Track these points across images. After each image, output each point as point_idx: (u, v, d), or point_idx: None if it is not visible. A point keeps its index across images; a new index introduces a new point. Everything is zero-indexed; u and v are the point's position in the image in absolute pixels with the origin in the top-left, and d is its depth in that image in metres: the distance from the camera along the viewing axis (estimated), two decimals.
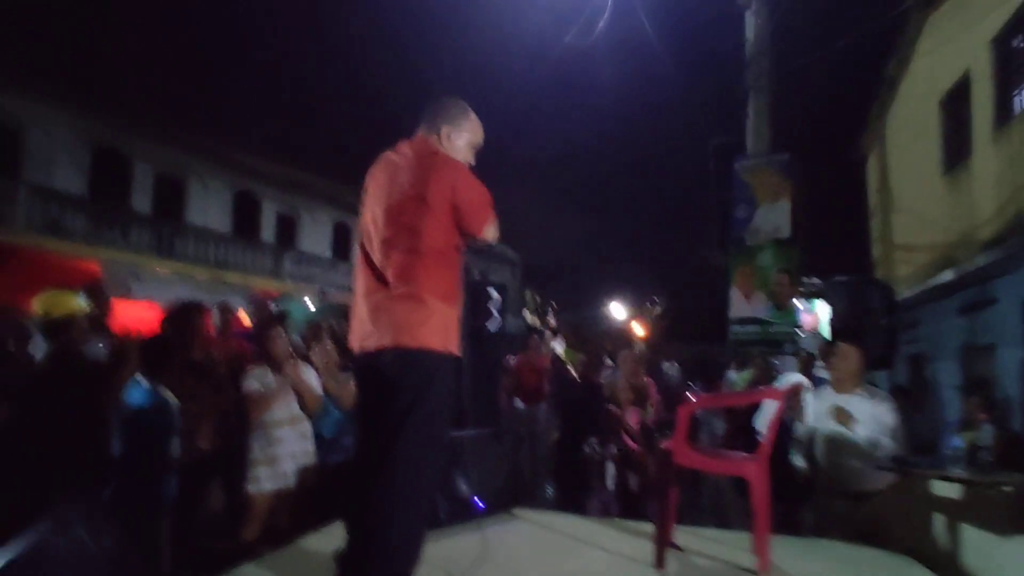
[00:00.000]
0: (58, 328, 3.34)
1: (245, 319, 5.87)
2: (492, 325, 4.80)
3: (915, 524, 3.24)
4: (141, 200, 14.99)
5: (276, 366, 3.96)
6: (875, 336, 5.07)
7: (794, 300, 8.04)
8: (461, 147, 2.45)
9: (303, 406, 3.99)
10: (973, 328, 8.53)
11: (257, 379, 3.94)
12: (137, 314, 6.52)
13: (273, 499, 3.81)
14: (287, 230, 18.88)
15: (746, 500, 2.86)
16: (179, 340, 3.82)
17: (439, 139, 2.41)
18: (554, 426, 6.67)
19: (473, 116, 2.49)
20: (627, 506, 4.92)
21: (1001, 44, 8.04)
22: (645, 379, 5.63)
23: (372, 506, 2.11)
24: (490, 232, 2.36)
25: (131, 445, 3.17)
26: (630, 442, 5.11)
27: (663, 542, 2.85)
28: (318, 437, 4.11)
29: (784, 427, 3.53)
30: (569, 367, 7.55)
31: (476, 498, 3.31)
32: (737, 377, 7.65)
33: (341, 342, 4.73)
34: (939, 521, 3.08)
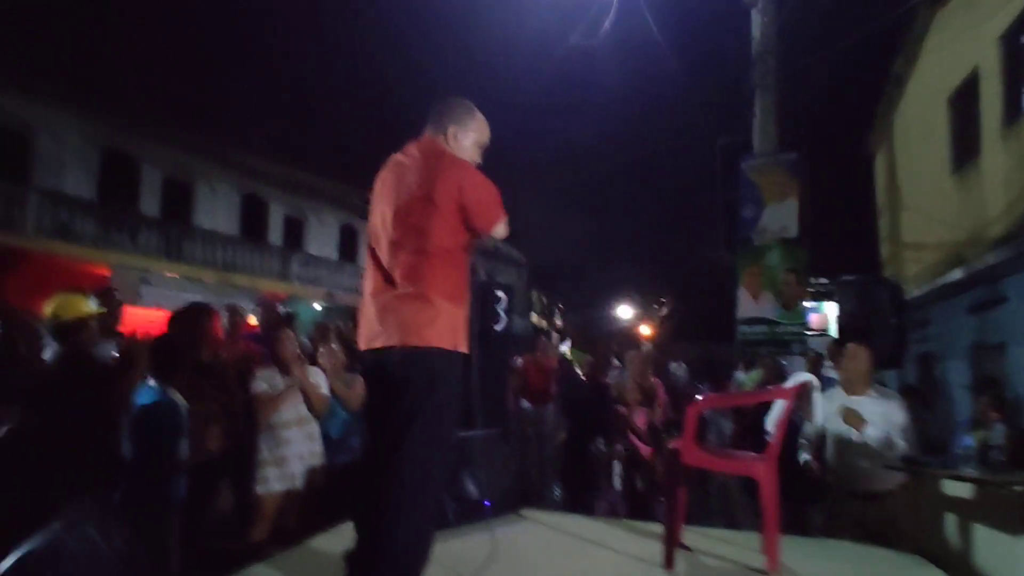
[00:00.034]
0: (69, 331, 3.37)
1: (253, 321, 5.89)
2: (499, 326, 4.82)
3: (926, 524, 3.23)
4: (149, 203, 15.08)
5: (284, 368, 3.98)
6: (884, 335, 5.06)
7: (802, 300, 8.02)
8: (468, 147, 2.45)
9: (310, 407, 4.00)
10: (983, 327, 8.47)
11: (265, 381, 3.96)
12: (146, 316, 6.56)
13: (282, 500, 3.83)
14: (294, 232, 18.95)
15: (754, 500, 2.86)
16: (188, 342, 3.84)
17: (446, 139, 2.42)
18: (561, 427, 6.66)
19: (479, 115, 2.50)
20: (634, 506, 4.91)
21: (1010, 41, 7.98)
22: (653, 379, 5.62)
23: (380, 506, 2.11)
24: (500, 230, 2.36)
25: (141, 446, 3.18)
26: (638, 442, 5.10)
27: (672, 542, 2.84)
28: (325, 438, 4.12)
29: (793, 426, 3.52)
30: (576, 367, 7.54)
31: (484, 499, 3.31)
32: (745, 377, 7.63)
33: (348, 343, 4.76)
34: (950, 521, 3.06)
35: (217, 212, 16.60)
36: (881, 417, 3.46)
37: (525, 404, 7.54)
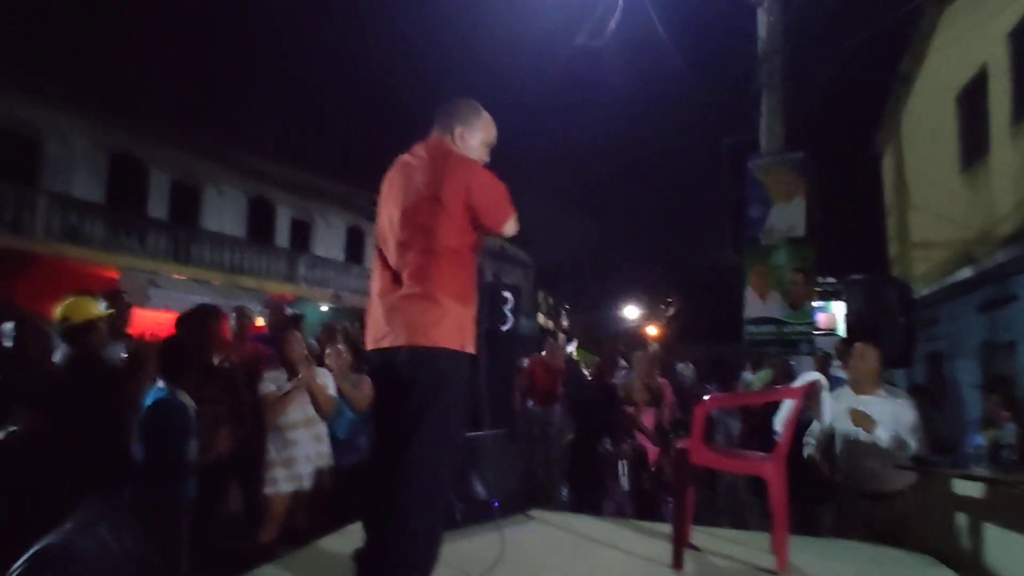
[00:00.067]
0: (78, 333, 3.39)
1: (261, 322, 5.91)
2: (505, 326, 4.82)
3: (937, 524, 3.21)
4: (158, 207, 15.17)
5: (292, 369, 3.99)
6: (892, 334, 5.03)
7: (809, 299, 7.98)
8: (475, 146, 2.46)
9: (318, 408, 4.01)
10: (993, 325, 8.42)
11: (273, 382, 3.98)
12: (155, 319, 6.59)
13: (290, 500, 3.84)
14: (301, 234, 19.02)
15: (762, 500, 2.85)
16: (196, 344, 3.86)
17: (453, 139, 2.42)
18: (568, 427, 6.66)
19: (485, 115, 2.50)
20: (642, 506, 4.90)
21: (1018, 38, 7.93)
22: (660, 380, 5.61)
23: (389, 506, 2.11)
24: (511, 227, 2.37)
25: (149, 448, 3.20)
26: (646, 442, 5.09)
27: (680, 542, 2.83)
28: (332, 438, 4.13)
29: (801, 425, 3.51)
30: (582, 367, 7.54)
31: (492, 499, 3.31)
32: (753, 377, 7.61)
33: (355, 344, 4.77)
34: (962, 521, 3.04)
35: (224, 215, 16.68)
36: (890, 417, 3.44)
37: (531, 405, 7.55)
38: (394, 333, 2.21)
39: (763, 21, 8.10)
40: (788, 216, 7.92)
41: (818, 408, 3.20)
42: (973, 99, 9.12)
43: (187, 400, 3.37)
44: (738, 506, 5.93)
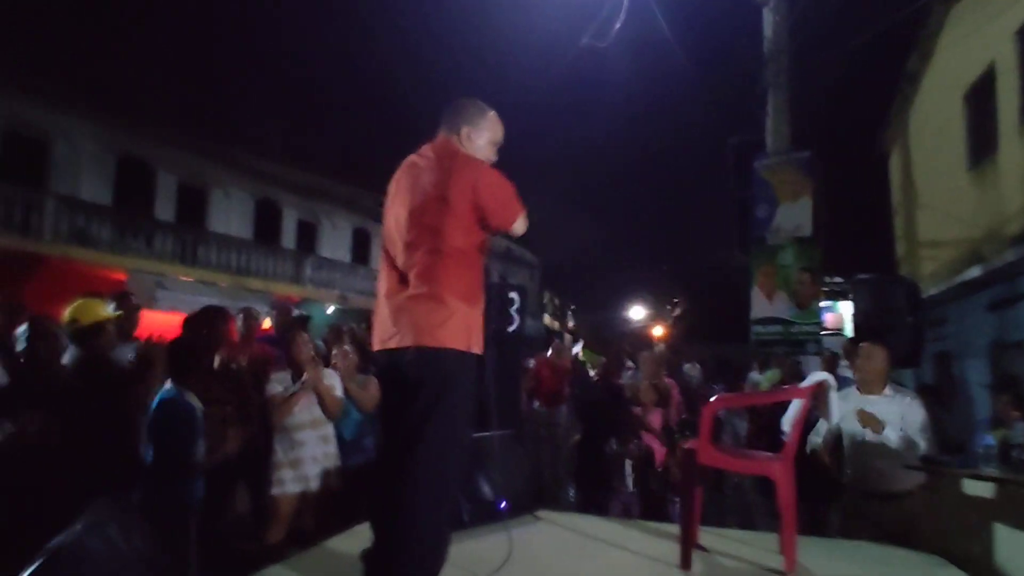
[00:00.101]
0: (87, 335, 3.41)
1: (267, 324, 5.93)
2: (512, 327, 4.82)
3: (946, 524, 3.18)
4: (165, 209, 15.24)
5: (300, 370, 4.00)
6: (900, 334, 5.00)
7: (816, 299, 7.95)
8: (482, 146, 2.46)
9: (324, 409, 4.02)
10: (1002, 325, 8.37)
11: (280, 383, 3.99)
12: (162, 320, 6.62)
13: (297, 501, 3.85)
14: (307, 236, 19.07)
15: (769, 500, 2.84)
16: (203, 345, 3.88)
17: (459, 139, 2.42)
18: (574, 428, 6.65)
19: (492, 114, 2.50)
20: (648, 507, 4.90)
21: None
22: (667, 380, 5.60)
23: (396, 507, 2.12)
24: (520, 225, 2.37)
25: (158, 449, 3.21)
26: (653, 443, 5.08)
27: (688, 543, 2.83)
28: (338, 439, 4.13)
29: (808, 426, 3.49)
30: (588, 368, 7.52)
31: (499, 500, 3.31)
32: (761, 377, 7.58)
33: (362, 345, 4.78)
34: (971, 521, 3.02)
35: (231, 217, 16.74)
36: (898, 416, 3.42)
37: (537, 406, 7.55)
38: (401, 334, 2.21)
39: (769, 20, 8.09)
40: (795, 216, 7.90)
41: (826, 408, 3.19)
42: (981, 97, 9.07)
43: (195, 401, 3.39)
44: (745, 506, 5.92)
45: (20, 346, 3.16)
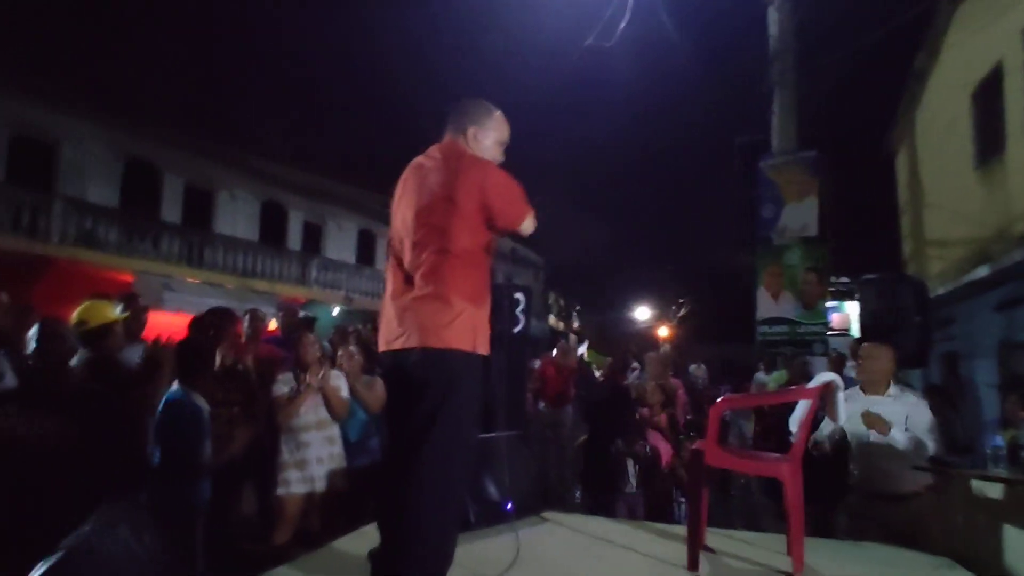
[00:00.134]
0: (96, 336, 3.42)
1: (273, 325, 5.94)
2: (517, 328, 4.82)
3: (955, 526, 3.17)
4: (171, 211, 15.31)
5: (307, 371, 4.01)
6: (908, 334, 4.99)
7: (823, 299, 7.92)
8: (489, 146, 2.46)
9: (330, 410, 4.03)
10: (1011, 324, 8.32)
11: (286, 384, 4.00)
12: (169, 321, 6.65)
13: (303, 502, 3.86)
14: (313, 237, 19.12)
15: (776, 501, 2.82)
16: (210, 346, 3.89)
17: (466, 140, 2.42)
18: (580, 429, 6.65)
19: (498, 114, 2.50)
20: (653, 508, 4.88)
21: None
22: (673, 380, 5.59)
23: (402, 507, 2.12)
24: (528, 225, 2.37)
25: (165, 450, 3.23)
26: (660, 444, 5.07)
27: (695, 544, 2.82)
28: (344, 440, 4.14)
29: (815, 426, 3.48)
30: (594, 368, 7.51)
31: (506, 501, 3.31)
32: (768, 378, 7.56)
33: (367, 346, 4.78)
34: (980, 522, 3.00)
35: (237, 219, 16.80)
36: (902, 416, 3.40)
37: (542, 407, 7.54)
38: (406, 334, 2.20)
39: (774, 19, 8.07)
40: (801, 215, 7.88)
41: (834, 409, 3.18)
42: (988, 96, 9.01)
43: (202, 402, 3.40)
44: (752, 508, 5.90)
45: (31, 348, 3.18)
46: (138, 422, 3.23)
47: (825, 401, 3.12)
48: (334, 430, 4.07)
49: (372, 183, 17.64)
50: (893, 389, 3.58)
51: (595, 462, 5.35)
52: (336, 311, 17.35)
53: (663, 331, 29.28)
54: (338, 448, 4.06)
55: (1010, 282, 8.11)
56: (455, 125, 2.45)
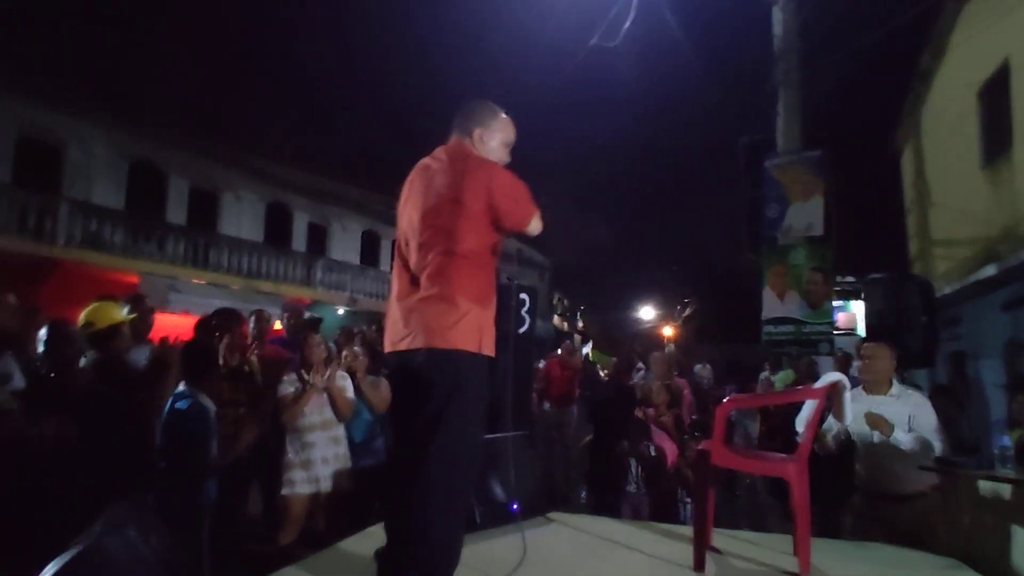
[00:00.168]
0: (103, 338, 3.44)
1: (278, 326, 5.97)
2: (522, 328, 4.82)
3: (962, 526, 3.15)
4: (176, 212, 15.36)
5: (313, 371, 4.02)
6: (914, 334, 4.97)
7: (828, 299, 7.90)
8: (495, 147, 2.46)
9: (336, 410, 4.04)
10: (1017, 324, 8.28)
11: (291, 384, 4.01)
12: (174, 323, 6.68)
13: (308, 502, 3.87)
14: (318, 239, 19.17)
15: (782, 502, 2.82)
16: (216, 347, 3.90)
17: (472, 142, 2.43)
18: (585, 429, 6.65)
19: (503, 115, 2.51)
20: (658, 508, 4.88)
21: None
22: (678, 380, 5.58)
23: (408, 507, 2.12)
24: (535, 225, 2.38)
25: (172, 450, 3.24)
26: (666, 444, 5.06)
27: (701, 544, 2.81)
28: (349, 441, 4.15)
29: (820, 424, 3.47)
30: (599, 368, 7.51)
31: (511, 501, 3.31)
32: (775, 378, 7.54)
33: (373, 347, 4.80)
34: (987, 523, 2.99)
35: (242, 220, 16.86)
36: (905, 416, 3.39)
37: (547, 407, 7.54)
38: (412, 335, 2.21)
39: (778, 19, 8.05)
40: (806, 215, 7.86)
41: (840, 409, 3.17)
42: (995, 94, 8.97)
43: (208, 403, 3.41)
44: (757, 508, 5.88)
45: (40, 349, 3.19)
46: (145, 423, 3.25)
47: (832, 401, 3.11)
48: (339, 430, 4.08)
49: (377, 184, 17.68)
50: (895, 388, 3.57)
51: (600, 462, 5.34)
52: (341, 312, 17.40)
53: (668, 331, 29.25)
54: (343, 448, 4.07)
55: (1017, 281, 8.07)
56: (461, 126, 2.45)
